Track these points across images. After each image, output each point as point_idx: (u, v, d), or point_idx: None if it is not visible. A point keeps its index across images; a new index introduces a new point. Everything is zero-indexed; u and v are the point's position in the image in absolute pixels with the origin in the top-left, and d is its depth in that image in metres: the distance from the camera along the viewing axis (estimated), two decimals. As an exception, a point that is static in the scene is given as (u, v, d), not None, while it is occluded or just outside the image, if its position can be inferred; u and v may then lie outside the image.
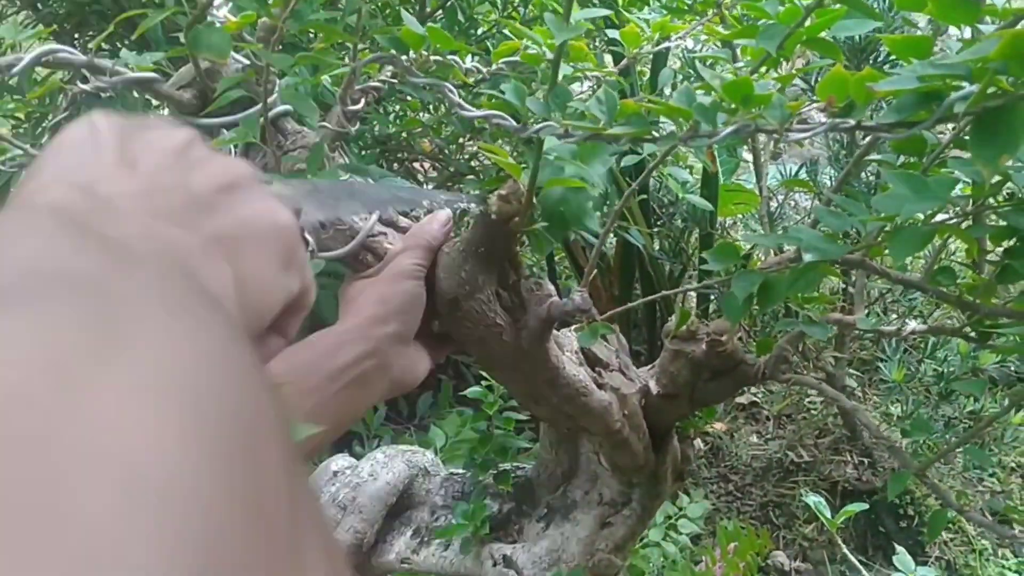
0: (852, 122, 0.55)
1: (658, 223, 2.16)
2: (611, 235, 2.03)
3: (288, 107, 0.75)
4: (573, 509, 1.00)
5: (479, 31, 1.89)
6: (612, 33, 0.96)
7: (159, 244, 0.29)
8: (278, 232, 0.37)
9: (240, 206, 0.36)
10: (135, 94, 1.42)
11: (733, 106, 0.58)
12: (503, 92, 0.66)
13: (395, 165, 2.40)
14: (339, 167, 0.72)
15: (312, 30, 0.80)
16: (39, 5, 1.91)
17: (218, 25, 0.66)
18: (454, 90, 0.67)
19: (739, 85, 0.56)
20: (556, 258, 2.52)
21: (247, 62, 0.76)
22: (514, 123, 0.66)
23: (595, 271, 2.12)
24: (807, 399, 2.29)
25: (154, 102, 1.33)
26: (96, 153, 0.34)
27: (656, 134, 0.59)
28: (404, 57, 0.67)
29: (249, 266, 0.34)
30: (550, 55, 0.63)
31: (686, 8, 1.04)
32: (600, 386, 0.85)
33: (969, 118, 0.52)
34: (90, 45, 1.87)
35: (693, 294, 2.29)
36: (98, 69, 0.71)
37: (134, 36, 0.64)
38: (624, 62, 0.98)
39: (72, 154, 0.34)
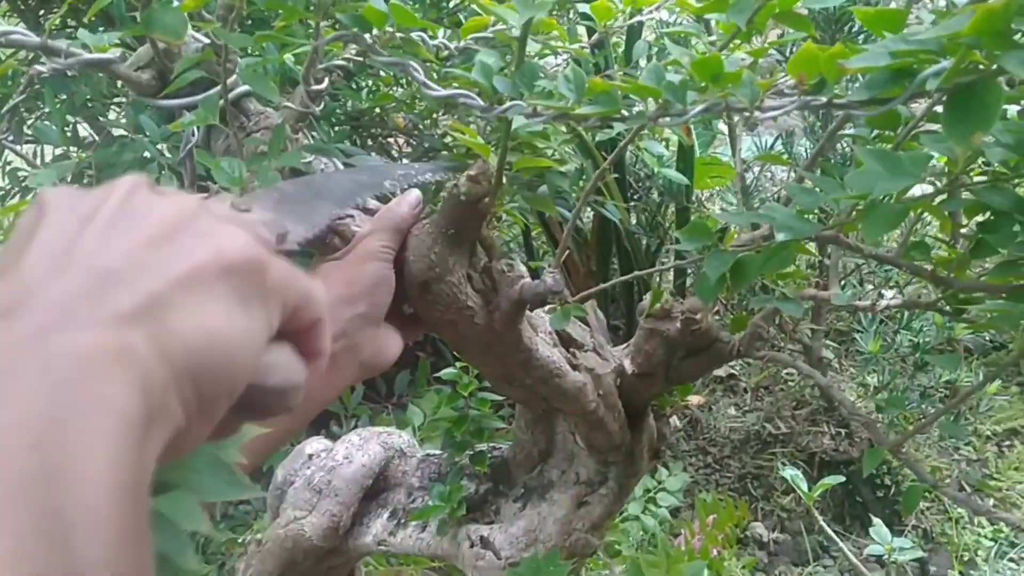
0: (824, 99, 0.54)
1: (634, 197, 2.15)
2: (588, 210, 2.02)
3: (249, 87, 0.74)
4: (550, 489, 1.00)
5: (451, 4, 1.86)
6: (583, 7, 0.95)
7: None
8: (222, 270, 0.33)
9: (169, 260, 0.32)
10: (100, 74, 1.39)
11: (703, 84, 0.56)
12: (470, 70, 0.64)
13: (368, 141, 2.37)
14: (303, 148, 0.70)
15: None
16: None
17: (175, 4, 0.64)
18: (419, 69, 0.66)
19: (708, 63, 0.55)
20: (533, 233, 2.51)
21: (207, 41, 0.74)
22: (481, 102, 0.64)
23: (571, 247, 2.11)
24: (784, 371, 2.30)
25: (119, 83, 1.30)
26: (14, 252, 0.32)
27: (626, 113, 0.58)
28: (368, 36, 0.65)
29: (188, 325, 0.31)
30: (517, 32, 0.61)
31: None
32: (574, 367, 0.84)
33: (942, 94, 0.52)
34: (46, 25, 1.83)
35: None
36: (53, 51, 0.69)
37: (89, 14, 0.62)
38: (596, 36, 0.97)
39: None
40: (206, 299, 0.32)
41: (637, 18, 0.95)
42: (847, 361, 2.32)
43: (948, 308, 0.81)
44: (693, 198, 2.06)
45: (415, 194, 0.75)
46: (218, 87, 0.72)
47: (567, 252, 2.11)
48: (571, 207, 1.72)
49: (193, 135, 0.83)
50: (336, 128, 1.97)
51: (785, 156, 1.43)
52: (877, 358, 1.78)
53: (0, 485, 0.24)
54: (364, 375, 0.71)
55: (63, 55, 0.70)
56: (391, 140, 2.41)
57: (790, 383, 2.28)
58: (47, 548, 0.24)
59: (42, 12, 2.04)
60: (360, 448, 1.12)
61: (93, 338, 0.28)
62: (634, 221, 2.18)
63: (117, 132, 1.64)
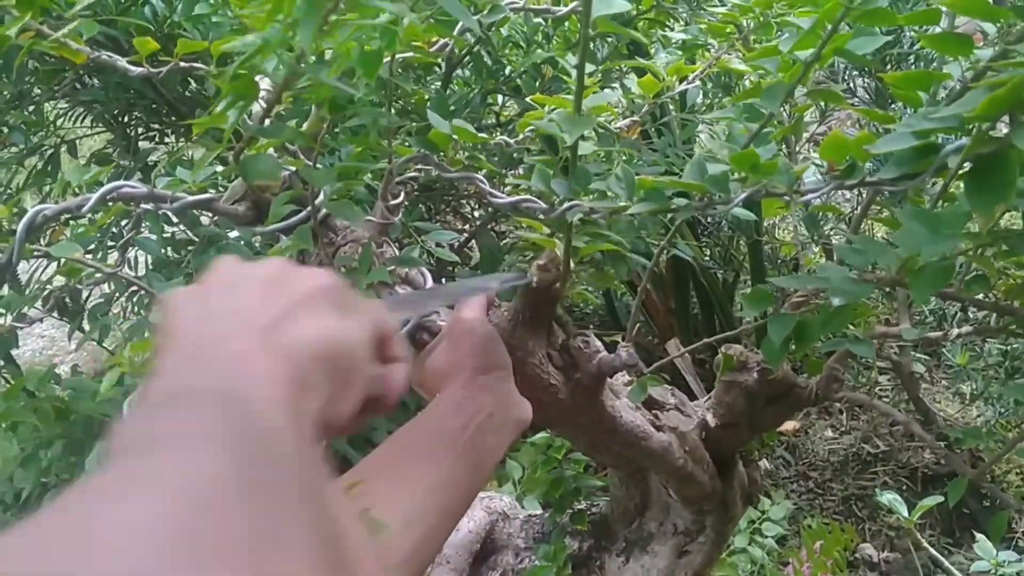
0: (856, 180, 0.59)
1: (705, 234, 2.19)
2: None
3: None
4: (650, 541, 1.04)
5: (507, 71, 1.94)
6: (630, 83, 1.00)
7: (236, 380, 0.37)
8: (321, 292, 0.46)
9: (282, 294, 0.44)
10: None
11: (744, 174, 0.61)
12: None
13: (442, 206, 2.47)
14: (389, 261, 0.77)
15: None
16: (78, 90, 1.99)
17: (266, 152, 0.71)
18: (484, 180, 0.72)
19: (746, 156, 0.60)
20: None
21: (293, 168, 0.82)
22: (543, 204, 0.70)
23: (648, 287, 2.15)
24: (877, 387, 2.29)
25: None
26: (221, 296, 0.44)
27: (674, 206, 0.64)
28: (436, 156, 0.72)
29: (309, 328, 0.43)
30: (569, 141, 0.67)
31: (700, 45, 1.07)
32: (658, 428, 0.88)
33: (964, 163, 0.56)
34: (142, 144, 1.96)
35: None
36: (159, 198, 0.78)
37: (194, 136, 0.70)
38: (645, 108, 1.02)
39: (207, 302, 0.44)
40: (315, 313, 0.44)
41: (682, 86, 1.00)
42: (938, 373, 2.30)
43: (1019, 331, 0.83)
44: (763, 229, 2.09)
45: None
46: (307, 210, 0.80)
47: (646, 293, 2.13)
48: (644, 250, 1.77)
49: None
50: (410, 200, 2.06)
51: (837, 207, 1.47)
52: (966, 370, 1.78)
53: (203, 426, 0.33)
54: (517, 432, 0.75)
55: (168, 200, 0.78)
56: (463, 202, 2.49)
57: (884, 399, 2.27)
58: (249, 448, 0.33)
59: (125, 118, 2.18)
60: (466, 515, 1.18)
61: (248, 342, 0.40)
62: (708, 256, 2.21)
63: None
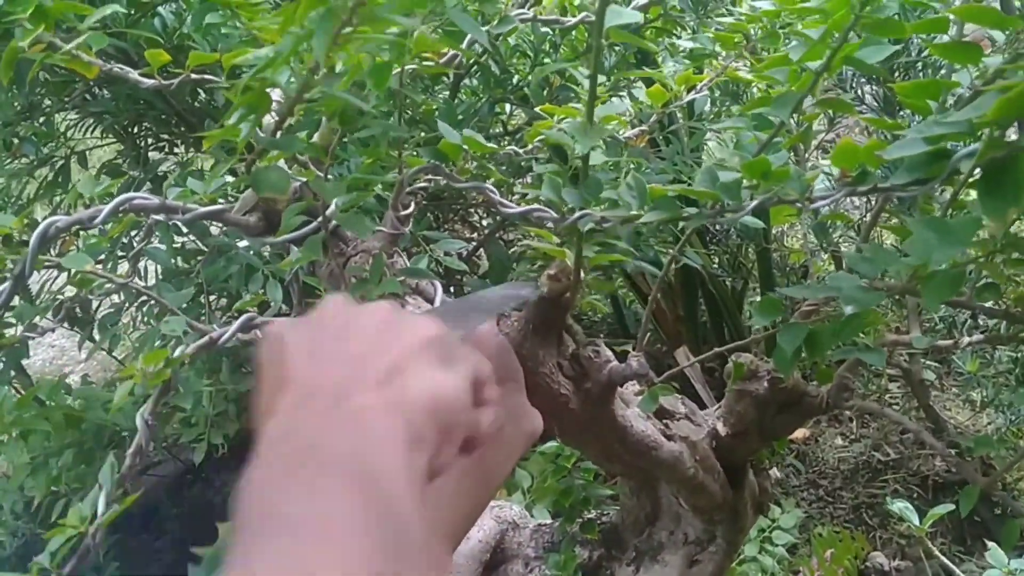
0: (867, 187, 0.59)
1: (714, 242, 2.19)
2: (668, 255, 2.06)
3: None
4: (660, 550, 1.04)
5: (515, 80, 1.94)
6: (639, 94, 1.01)
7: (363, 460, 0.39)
8: (426, 344, 0.46)
9: (391, 343, 0.46)
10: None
11: (755, 181, 0.61)
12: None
13: (451, 215, 2.47)
14: (400, 272, 0.77)
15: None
16: (89, 101, 2.00)
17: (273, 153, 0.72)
18: (494, 190, 0.72)
19: (758, 164, 0.60)
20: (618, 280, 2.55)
21: (303, 179, 0.82)
22: (553, 214, 0.70)
23: (657, 295, 2.15)
24: (887, 395, 2.28)
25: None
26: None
27: (686, 214, 0.64)
28: (446, 167, 0.72)
29: (418, 382, 0.44)
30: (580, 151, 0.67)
31: (707, 53, 1.07)
32: (669, 437, 0.88)
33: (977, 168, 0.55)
34: (151, 154, 1.96)
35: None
36: (171, 209, 0.78)
37: (204, 148, 0.70)
38: (653, 118, 1.02)
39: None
40: (422, 364, 0.45)
41: (690, 96, 1.01)
42: (949, 380, 2.29)
43: (1031, 339, 0.83)
44: (771, 236, 2.09)
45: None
46: (317, 220, 0.80)
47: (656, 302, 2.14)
48: (652, 258, 1.77)
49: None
50: (418, 211, 2.07)
51: (846, 215, 1.47)
52: (976, 377, 1.77)
53: (342, 511, 0.36)
54: (527, 444, 0.75)
55: (180, 211, 0.79)
56: (471, 211, 2.50)
57: (894, 407, 2.26)
58: (378, 511, 0.37)
59: (135, 129, 2.19)
60: (475, 524, 1.18)
61: (368, 399, 0.41)
62: (716, 263, 2.21)
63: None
